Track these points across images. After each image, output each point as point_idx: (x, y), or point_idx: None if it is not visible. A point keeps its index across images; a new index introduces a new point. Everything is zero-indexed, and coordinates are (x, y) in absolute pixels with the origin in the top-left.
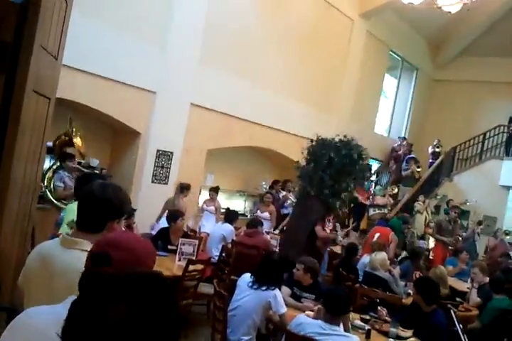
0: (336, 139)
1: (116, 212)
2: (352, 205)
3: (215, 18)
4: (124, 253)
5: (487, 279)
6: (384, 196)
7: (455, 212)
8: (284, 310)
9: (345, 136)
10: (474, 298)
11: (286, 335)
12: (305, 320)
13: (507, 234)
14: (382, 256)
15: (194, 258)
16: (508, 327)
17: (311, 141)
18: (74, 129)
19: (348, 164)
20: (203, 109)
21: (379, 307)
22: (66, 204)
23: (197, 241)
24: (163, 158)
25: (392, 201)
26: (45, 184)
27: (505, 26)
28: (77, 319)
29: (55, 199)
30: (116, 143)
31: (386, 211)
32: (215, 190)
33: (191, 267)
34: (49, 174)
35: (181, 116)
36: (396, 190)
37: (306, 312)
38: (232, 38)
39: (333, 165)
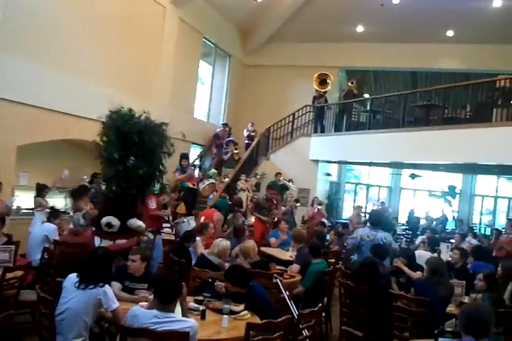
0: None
1: None
2: (182, 193)
3: (14, 5)
4: None
5: (303, 245)
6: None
7: (271, 193)
8: (115, 305)
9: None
10: (292, 265)
11: (121, 330)
12: (140, 312)
13: (320, 204)
14: (224, 244)
15: (11, 265)
16: (326, 287)
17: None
18: None
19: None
20: (6, 101)
21: (216, 282)
22: None
23: (13, 247)
24: None
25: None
26: None
27: (306, 14)
28: None
29: None
30: None
31: (214, 181)
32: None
33: (9, 275)
34: None
35: None
36: (227, 179)
37: (140, 303)
38: (37, 24)
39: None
